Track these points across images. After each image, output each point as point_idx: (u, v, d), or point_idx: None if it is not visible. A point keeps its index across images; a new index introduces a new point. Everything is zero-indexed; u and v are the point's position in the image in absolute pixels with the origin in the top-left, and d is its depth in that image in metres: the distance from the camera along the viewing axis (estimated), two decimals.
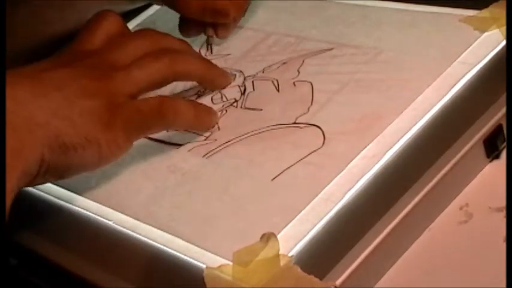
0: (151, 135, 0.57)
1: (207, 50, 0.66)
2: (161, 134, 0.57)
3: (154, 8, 0.75)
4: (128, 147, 0.52)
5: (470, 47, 0.54)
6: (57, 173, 0.49)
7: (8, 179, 0.45)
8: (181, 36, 0.64)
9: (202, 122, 0.56)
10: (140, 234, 0.50)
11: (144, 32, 0.58)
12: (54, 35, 0.71)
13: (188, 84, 0.62)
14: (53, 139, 0.48)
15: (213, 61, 0.65)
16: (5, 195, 0.45)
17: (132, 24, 0.74)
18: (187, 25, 0.65)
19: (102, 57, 0.54)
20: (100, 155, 0.50)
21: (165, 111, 0.53)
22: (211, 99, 0.60)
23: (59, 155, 0.48)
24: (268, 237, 0.45)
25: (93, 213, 0.53)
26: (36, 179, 0.48)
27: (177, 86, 0.62)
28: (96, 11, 0.57)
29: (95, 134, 0.49)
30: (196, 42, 0.66)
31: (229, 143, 0.55)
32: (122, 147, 0.51)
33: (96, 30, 0.55)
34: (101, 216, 0.53)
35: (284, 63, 0.61)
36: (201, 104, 0.59)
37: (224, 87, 0.61)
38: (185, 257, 0.47)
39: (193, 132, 0.57)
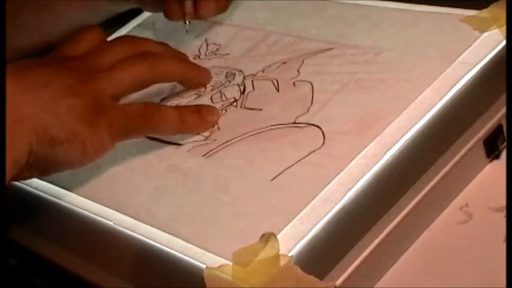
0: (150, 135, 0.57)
1: (184, 24, 0.65)
2: None
3: None
4: (112, 147, 0.53)
5: (470, 47, 0.54)
6: (43, 167, 0.50)
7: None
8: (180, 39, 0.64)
9: (189, 127, 0.56)
10: (140, 234, 0.50)
11: (124, 37, 0.60)
12: (30, 41, 0.70)
13: None
14: (41, 131, 0.49)
15: (213, 60, 0.65)
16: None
17: (131, 25, 0.74)
18: (171, 5, 0.65)
19: (84, 60, 0.55)
20: (84, 152, 0.51)
21: (149, 116, 0.54)
22: (211, 99, 0.60)
23: (46, 147, 0.49)
24: (268, 237, 0.45)
25: (93, 213, 0.53)
26: (23, 172, 0.49)
27: (177, 86, 0.62)
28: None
29: (80, 130, 0.50)
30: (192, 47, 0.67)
31: (229, 142, 0.55)
32: (106, 147, 0.52)
33: (81, 40, 0.57)
34: (101, 216, 0.53)
35: (284, 63, 0.61)
36: (192, 107, 0.58)
37: (205, 85, 0.61)
38: (185, 257, 0.47)
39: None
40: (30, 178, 0.51)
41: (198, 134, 0.57)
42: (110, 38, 0.74)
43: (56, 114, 0.49)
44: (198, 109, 0.57)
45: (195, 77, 0.61)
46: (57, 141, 0.49)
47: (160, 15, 0.66)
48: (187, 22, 0.65)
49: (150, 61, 0.56)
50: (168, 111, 0.55)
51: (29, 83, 0.50)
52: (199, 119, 0.56)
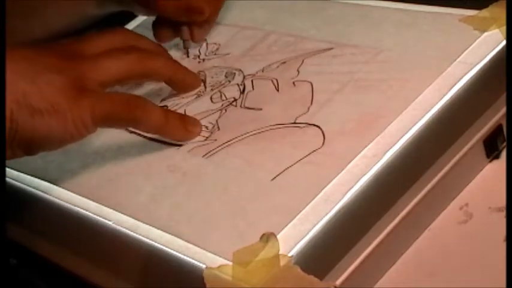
0: (151, 136, 0.57)
1: (184, 54, 0.66)
2: None
3: None
4: (93, 130, 0.52)
5: (470, 47, 0.54)
6: (24, 142, 0.50)
7: None
8: None
9: (170, 129, 0.56)
10: (140, 235, 0.50)
11: (118, 29, 0.59)
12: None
13: None
14: (21, 97, 0.49)
15: (213, 60, 0.65)
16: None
17: (132, 25, 0.74)
18: (161, 29, 0.66)
19: (72, 46, 0.55)
20: (65, 127, 0.50)
21: (134, 106, 0.53)
22: (211, 99, 0.60)
23: (26, 117, 0.49)
24: (268, 237, 0.45)
25: (93, 213, 0.53)
26: (7, 144, 0.49)
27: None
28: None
29: (62, 104, 0.50)
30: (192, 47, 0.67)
31: (229, 142, 0.55)
32: (88, 128, 0.52)
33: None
34: (101, 216, 0.53)
35: (284, 62, 0.61)
36: (178, 113, 0.58)
37: (193, 89, 0.61)
38: (185, 257, 0.47)
39: None
40: (13, 157, 0.51)
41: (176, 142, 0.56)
42: None
43: (35, 84, 0.49)
44: (181, 116, 0.57)
45: (183, 79, 0.60)
46: (37, 110, 0.49)
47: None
48: (187, 48, 0.66)
49: (140, 55, 0.56)
50: (154, 107, 0.55)
51: (11, 55, 0.50)
52: (182, 125, 0.56)
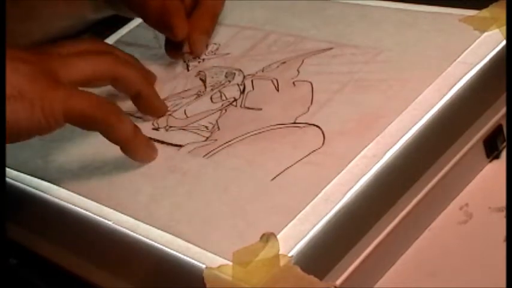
0: (150, 136, 0.57)
1: (185, 69, 0.65)
2: (162, 135, 0.57)
3: None
4: (62, 125, 0.52)
5: (470, 47, 0.54)
6: None
7: None
8: None
9: (137, 145, 0.55)
10: (140, 235, 0.50)
11: (93, 39, 0.60)
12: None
13: (188, 84, 0.62)
14: None
15: (213, 60, 0.65)
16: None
17: (132, 25, 0.74)
18: (170, 45, 0.66)
19: (46, 47, 0.55)
20: (32, 114, 0.50)
21: (109, 111, 0.53)
22: (211, 99, 0.60)
23: None
24: (268, 237, 0.45)
25: (93, 213, 0.53)
26: None
27: (177, 86, 0.62)
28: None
29: (29, 91, 0.50)
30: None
31: (229, 143, 0.55)
32: (57, 120, 0.51)
33: None
34: (101, 216, 0.53)
35: (284, 62, 0.61)
36: (143, 135, 0.56)
37: (157, 115, 0.60)
38: (185, 257, 0.47)
39: (193, 132, 0.57)
40: None
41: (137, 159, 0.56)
42: (110, 38, 0.74)
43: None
44: (147, 137, 0.56)
45: (151, 99, 0.59)
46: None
47: None
48: (186, 61, 0.66)
49: (113, 59, 0.56)
50: (127, 117, 0.54)
51: None
52: (147, 145, 0.55)
